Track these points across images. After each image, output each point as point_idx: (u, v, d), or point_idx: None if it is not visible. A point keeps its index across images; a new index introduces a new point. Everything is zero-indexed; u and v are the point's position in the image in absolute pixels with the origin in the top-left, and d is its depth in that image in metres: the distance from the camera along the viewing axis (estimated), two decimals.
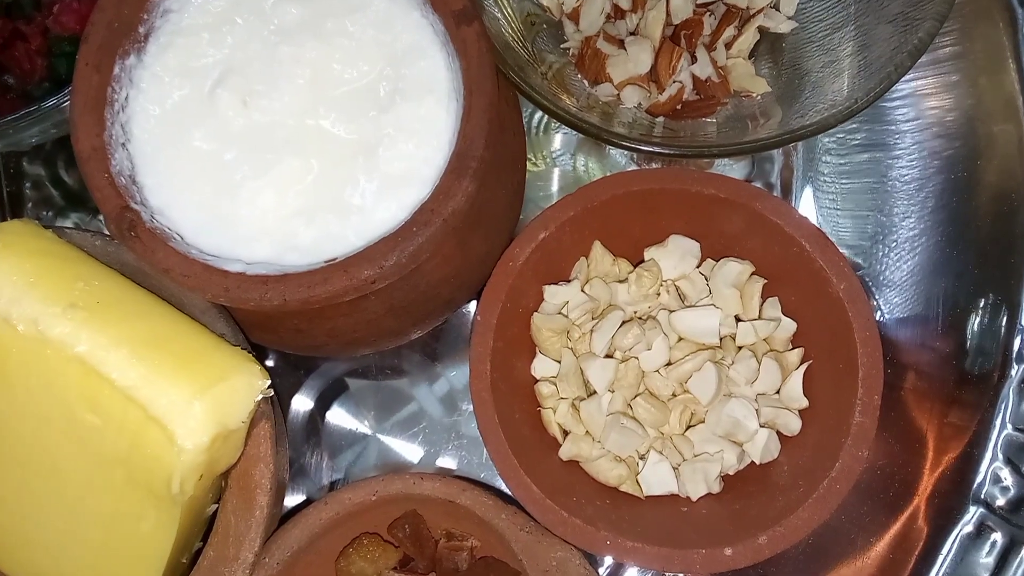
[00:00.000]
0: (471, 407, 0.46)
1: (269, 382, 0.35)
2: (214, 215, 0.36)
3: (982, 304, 0.49)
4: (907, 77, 0.44)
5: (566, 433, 0.42)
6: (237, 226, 0.36)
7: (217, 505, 0.38)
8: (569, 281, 0.44)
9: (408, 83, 0.37)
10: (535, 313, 0.43)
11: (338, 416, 0.49)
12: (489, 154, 0.35)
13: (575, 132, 0.44)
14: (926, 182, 0.53)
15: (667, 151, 0.39)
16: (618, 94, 0.47)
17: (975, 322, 0.49)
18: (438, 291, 0.39)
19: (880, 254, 0.51)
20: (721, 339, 0.42)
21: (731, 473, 0.41)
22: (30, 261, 0.34)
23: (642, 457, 0.42)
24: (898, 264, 0.51)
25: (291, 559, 0.39)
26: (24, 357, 0.33)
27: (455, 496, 0.40)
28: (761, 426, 0.41)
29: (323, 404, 0.49)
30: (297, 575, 0.41)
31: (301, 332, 0.38)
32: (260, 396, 0.34)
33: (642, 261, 0.44)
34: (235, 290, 0.33)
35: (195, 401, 0.32)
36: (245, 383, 0.34)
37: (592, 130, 0.39)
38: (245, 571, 0.35)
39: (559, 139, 0.53)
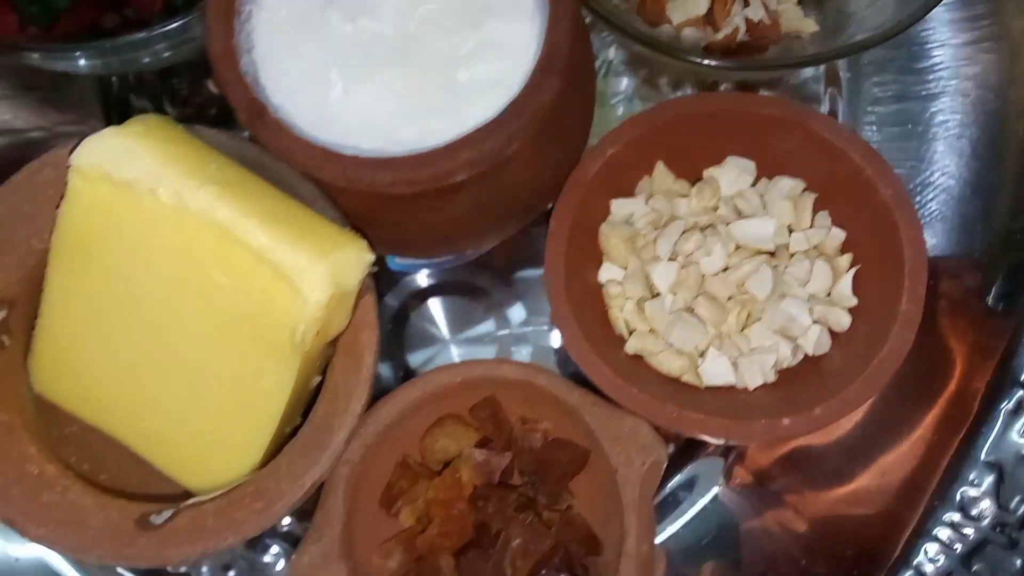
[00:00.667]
0: (539, 326, 0.51)
1: (375, 257, 0.39)
2: (324, 115, 0.40)
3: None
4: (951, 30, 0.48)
5: (631, 332, 0.46)
6: (345, 124, 0.40)
7: (320, 378, 0.43)
8: (634, 196, 0.48)
9: (497, 1, 0.41)
10: (603, 224, 0.47)
11: (414, 327, 0.53)
12: (571, 61, 0.39)
13: (636, 76, 0.49)
14: (964, 130, 0.56)
15: (731, 66, 0.43)
16: (677, 36, 0.52)
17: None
18: (518, 193, 0.44)
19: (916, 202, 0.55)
20: (775, 249, 0.46)
21: (785, 366, 0.45)
22: (169, 145, 0.38)
23: (701, 354, 0.46)
24: (933, 212, 0.55)
25: (383, 432, 0.44)
26: (166, 227, 0.38)
27: (533, 378, 0.44)
28: (813, 323, 0.44)
29: (400, 317, 0.53)
30: (387, 449, 0.45)
31: (398, 226, 0.43)
32: (368, 268, 0.39)
33: (700, 180, 0.48)
34: (351, 170, 0.38)
35: (317, 263, 0.37)
36: (357, 254, 0.38)
37: (665, 48, 0.43)
38: (353, 421, 0.39)
39: (624, 82, 0.57)
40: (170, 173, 0.37)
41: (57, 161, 0.41)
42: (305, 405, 0.44)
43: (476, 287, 0.53)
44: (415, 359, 0.52)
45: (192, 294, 0.39)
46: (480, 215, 0.43)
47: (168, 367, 0.41)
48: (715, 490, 0.50)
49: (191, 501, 0.40)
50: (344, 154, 0.38)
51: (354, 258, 0.38)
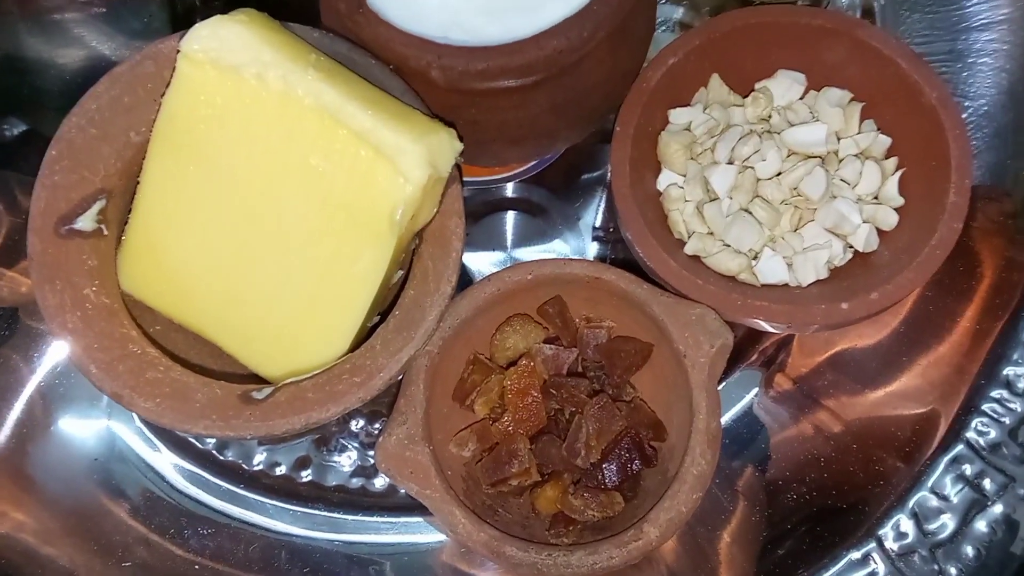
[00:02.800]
0: (599, 244, 0.53)
1: (463, 146, 0.42)
2: (415, 11, 0.42)
3: None
4: None
5: (690, 234, 0.49)
6: (434, 20, 0.42)
7: (402, 273, 0.45)
8: (691, 105, 0.51)
9: None
10: (662, 132, 0.50)
11: (476, 243, 0.55)
12: None
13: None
14: (1000, 62, 0.57)
15: None
16: None
17: None
18: (591, 95, 0.46)
19: None
20: (825, 154, 0.49)
21: (837, 264, 0.48)
22: (273, 34, 0.40)
23: (755, 256, 0.48)
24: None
25: (459, 327, 0.46)
26: (270, 112, 0.40)
27: (601, 273, 0.47)
28: (863, 222, 0.47)
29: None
30: (460, 345, 0.47)
31: (476, 124, 0.45)
32: (457, 155, 0.41)
33: (753, 92, 0.51)
34: (447, 58, 0.40)
35: (417, 143, 0.39)
36: (449, 140, 0.41)
37: None
38: (444, 301, 0.41)
39: (670, 11, 0.60)
40: (277, 58, 0.39)
41: (157, 55, 0.42)
42: (386, 303, 0.46)
43: (534, 204, 0.56)
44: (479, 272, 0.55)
45: (291, 181, 0.41)
46: (554, 115, 0.46)
47: (262, 258, 0.42)
48: (750, 401, 0.53)
49: (290, 380, 0.42)
50: (440, 42, 0.40)
51: (447, 143, 0.41)
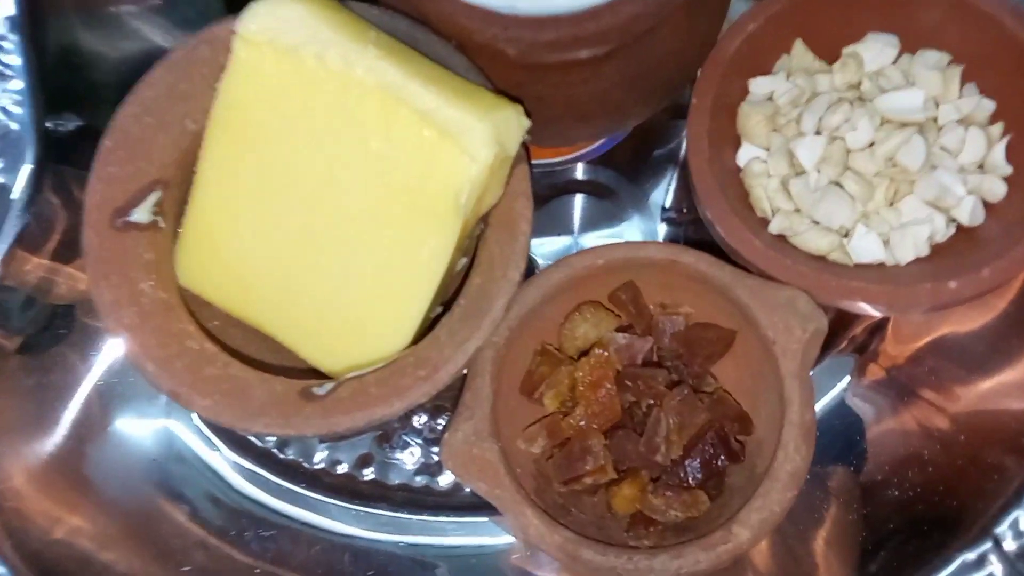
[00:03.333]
0: (669, 226, 0.50)
1: (530, 124, 0.39)
2: None
3: None
4: None
5: (775, 211, 0.45)
6: None
7: (466, 260, 0.43)
8: (773, 74, 0.47)
9: None
10: (742, 103, 0.46)
11: (540, 226, 0.53)
12: None
13: None
14: None
15: None
16: None
17: None
18: (665, 66, 0.43)
19: None
20: (923, 121, 0.45)
21: (939, 240, 0.44)
22: (331, 13, 0.38)
23: (846, 234, 0.45)
24: None
25: (526, 316, 0.43)
26: (330, 93, 0.37)
27: (677, 255, 0.43)
28: (967, 193, 0.43)
29: None
30: (527, 335, 0.44)
31: (542, 100, 0.42)
32: (525, 133, 0.39)
33: (839, 58, 0.47)
34: (513, 29, 0.37)
35: (483, 120, 0.36)
36: (516, 116, 0.38)
37: None
38: (511, 289, 0.39)
39: None
40: (336, 38, 0.37)
41: (213, 38, 0.41)
42: (449, 292, 0.44)
43: (601, 186, 0.53)
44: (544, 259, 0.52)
45: (352, 166, 0.39)
46: (625, 89, 0.43)
47: (322, 247, 0.40)
48: (841, 391, 0.49)
49: (352, 374, 0.40)
50: (505, 13, 0.37)
51: (514, 120, 0.38)
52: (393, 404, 0.38)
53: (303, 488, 0.47)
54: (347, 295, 0.41)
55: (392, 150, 0.38)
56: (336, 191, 0.39)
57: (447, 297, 0.43)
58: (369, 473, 0.48)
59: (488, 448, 0.40)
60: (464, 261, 0.43)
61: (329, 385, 0.39)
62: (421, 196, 0.38)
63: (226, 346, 0.42)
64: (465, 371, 0.40)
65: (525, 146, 0.40)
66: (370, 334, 0.41)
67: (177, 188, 0.41)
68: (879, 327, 0.48)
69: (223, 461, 0.48)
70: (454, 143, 0.36)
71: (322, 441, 0.48)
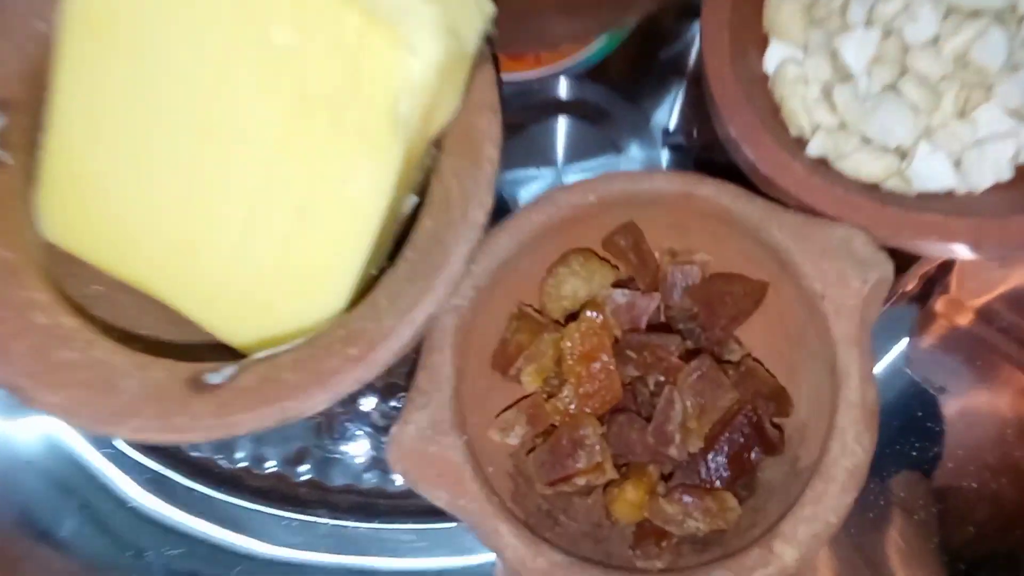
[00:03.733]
0: (674, 154, 0.40)
1: (495, 10, 0.28)
2: None
3: None
4: None
5: (814, 128, 0.35)
6: None
7: (417, 200, 0.32)
8: None
9: None
10: None
11: (515, 159, 0.42)
12: None
13: None
14: None
15: None
16: None
17: None
18: None
19: None
20: (1002, 9, 0.35)
21: (1023, 160, 0.34)
22: None
23: (904, 154, 0.35)
24: None
25: (498, 270, 0.34)
26: None
27: (692, 187, 0.34)
28: None
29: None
30: (500, 294, 0.35)
31: None
32: (489, 22, 0.28)
33: None
34: None
35: (427, 3, 0.26)
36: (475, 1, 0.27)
37: None
38: (474, 234, 0.29)
39: None
40: None
41: None
42: (394, 241, 0.34)
43: (590, 106, 0.42)
44: (515, 195, 0.42)
45: (251, 69, 0.28)
46: None
47: (221, 184, 0.31)
48: (898, 356, 0.39)
49: (261, 354, 0.30)
50: None
51: (471, 4, 0.28)
52: (313, 395, 0.28)
53: (220, 493, 0.40)
54: (256, 247, 0.32)
55: (303, 45, 0.28)
56: (232, 106, 0.30)
57: (391, 247, 0.33)
58: (305, 472, 0.39)
59: (450, 444, 0.32)
60: (414, 200, 0.33)
61: (229, 370, 0.29)
62: (345, 109, 0.28)
63: (96, 320, 0.32)
64: (418, 344, 0.32)
65: (491, 43, 0.30)
66: (288, 298, 0.32)
67: (27, 111, 0.33)
68: (941, 274, 0.38)
69: (117, 461, 0.38)
70: (388, 32, 0.26)
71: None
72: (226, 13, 0.28)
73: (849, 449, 0.30)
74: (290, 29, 0.27)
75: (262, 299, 0.32)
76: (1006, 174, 0.34)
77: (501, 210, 0.36)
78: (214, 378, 0.29)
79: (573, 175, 0.42)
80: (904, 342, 0.38)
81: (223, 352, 0.34)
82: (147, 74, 0.30)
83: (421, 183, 0.32)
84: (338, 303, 0.31)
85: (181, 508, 0.38)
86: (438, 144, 0.31)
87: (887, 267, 0.31)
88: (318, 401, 0.28)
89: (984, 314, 0.37)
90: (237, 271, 0.32)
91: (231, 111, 0.29)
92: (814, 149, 0.35)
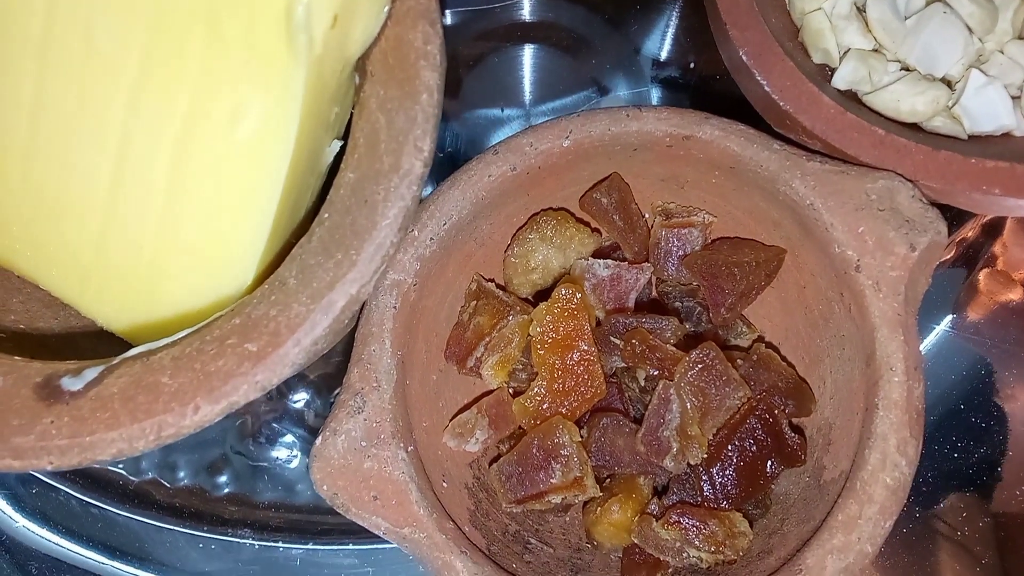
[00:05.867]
0: (666, 90, 0.33)
1: None
2: None
3: None
4: None
5: (843, 53, 0.29)
6: None
7: (340, 143, 0.25)
8: None
9: None
10: None
11: (472, 98, 0.35)
12: None
13: None
14: None
15: None
16: None
17: None
18: None
19: None
20: None
21: None
22: None
23: (952, 87, 0.28)
24: None
25: (450, 234, 0.27)
26: None
27: (692, 128, 0.27)
28: None
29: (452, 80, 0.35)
30: (454, 266, 0.29)
31: None
32: None
33: None
34: None
35: None
36: None
37: None
38: (411, 187, 0.22)
39: None
40: None
41: None
42: (316, 196, 0.27)
43: (563, 31, 0.35)
44: (477, 141, 0.35)
45: None
46: None
47: (76, 129, 0.25)
48: (942, 336, 0.33)
49: (135, 350, 0.23)
50: None
51: None
52: (198, 406, 0.22)
53: (123, 510, 0.34)
54: (129, 206, 0.26)
55: None
56: (77, 22, 0.22)
57: (313, 208, 0.27)
58: (225, 484, 0.33)
59: (389, 458, 0.27)
60: (336, 146, 0.25)
61: (92, 371, 0.22)
62: (228, 20, 0.21)
63: None
64: (346, 333, 0.26)
65: None
66: (174, 272, 0.26)
67: None
68: (988, 236, 0.32)
69: None
70: None
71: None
72: None
73: (891, 461, 0.24)
74: None
75: (144, 273, 0.26)
76: None
77: (455, 162, 0.29)
78: (72, 383, 0.22)
79: (544, 118, 0.35)
80: (944, 322, 0.31)
81: (110, 343, 0.28)
82: None
83: (343, 120, 0.25)
84: (240, 280, 0.25)
85: (75, 533, 0.32)
86: (362, 68, 0.24)
87: (940, 228, 0.25)
88: (205, 415, 0.21)
89: None
90: (110, 236, 0.26)
91: (79, 25, 0.23)
92: (842, 79, 0.29)
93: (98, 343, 0.29)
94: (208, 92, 0.22)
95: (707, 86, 0.34)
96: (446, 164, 0.33)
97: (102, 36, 0.22)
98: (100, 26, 0.22)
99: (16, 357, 0.24)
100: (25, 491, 0.33)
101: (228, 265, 0.25)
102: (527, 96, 0.35)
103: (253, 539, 0.33)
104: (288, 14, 0.20)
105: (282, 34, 0.20)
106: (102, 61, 0.23)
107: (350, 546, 0.33)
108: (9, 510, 0.32)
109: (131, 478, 0.33)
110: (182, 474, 0.33)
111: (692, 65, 0.35)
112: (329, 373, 0.34)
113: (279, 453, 0.34)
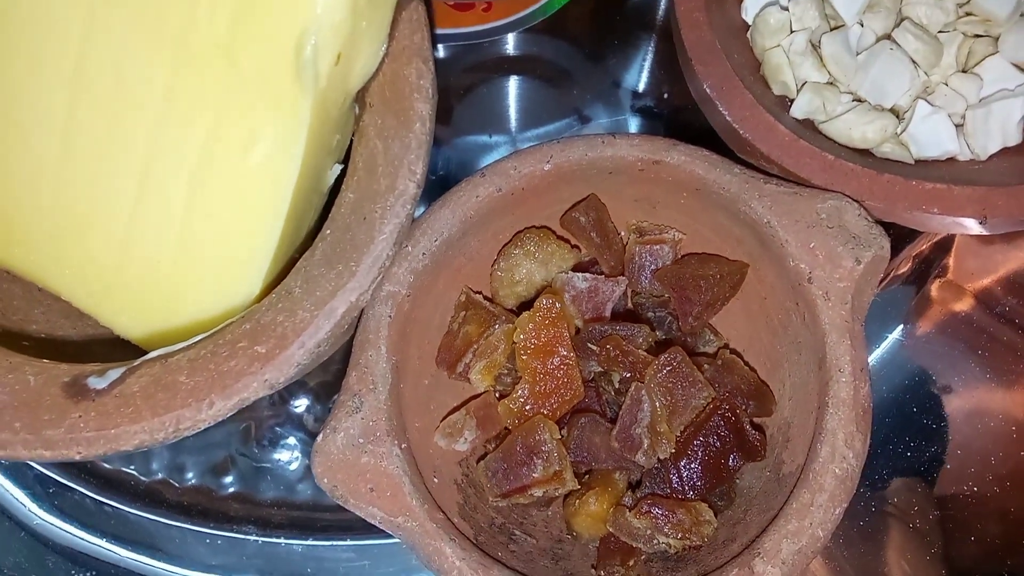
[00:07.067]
0: (644, 119, 0.35)
1: None
2: None
3: None
4: None
5: (800, 86, 0.31)
6: None
7: (341, 167, 0.28)
8: None
9: None
10: None
11: (461, 125, 0.38)
12: None
13: None
14: None
15: None
16: None
17: None
18: None
19: None
20: None
21: None
22: None
23: (900, 116, 0.31)
24: None
25: (441, 250, 0.29)
26: None
27: (661, 153, 0.29)
28: None
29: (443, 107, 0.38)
30: (444, 279, 0.31)
31: None
32: None
33: None
34: None
35: None
36: None
37: None
38: (405, 206, 0.24)
39: None
40: None
41: None
42: (318, 214, 0.29)
43: (546, 63, 0.38)
44: (466, 165, 0.37)
45: (129, 13, 0.24)
46: None
47: (103, 150, 0.27)
48: (894, 344, 0.35)
49: (154, 353, 0.25)
50: None
51: None
52: (213, 402, 0.24)
53: (135, 508, 0.35)
54: (149, 223, 0.28)
55: None
56: (108, 53, 0.25)
57: (315, 225, 0.29)
58: (230, 483, 0.35)
59: (385, 453, 0.28)
60: (336, 169, 0.28)
61: (115, 372, 0.25)
62: (241, 54, 0.23)
63: None
64: (347, 339, 0.28)
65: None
66: (190, 284, 0.28)
67: None
68: (938, 253, 0.34)
69: (8, 474, 0.34)
70: None
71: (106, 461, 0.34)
72: None
73: (839, 454, 0.26)
74: None
75: (161, 285, 0.28)
76: (1015, 138, 0.30)
77: (445, 184, 0.32)
78: (97, 382, 0.25)
79: (529, 144, 0.37)
80: (897, 331, 0.33)
81: (124, 349, 0.30)
82: (7, 17, 0.25)
83: (343, 146, 0.28)
84: (248, 290, 0.27)
85: (90, 527, 0.34)
86: (361, 99, 0.26)
87: (883, 244, 0.27)
88: (219, 409, 0.24)
89: (984, 299, 0.33)
90: (131, 252, 0.28)
91: (108, 59, 0.25)
92: (799, 109, 0.31)
93: (113, 350, 0.31)
94: (224, 121, 0.25)
95: (679, 114, 0.36)
96: (437, 186, 0.36)
97: (130, 70, 0.25)
98: (128, 61, 0.25)
99: (45, 360, 0.26)
100: (43, 490, 0.35)
101: (238, 277, 0.27)
102: (513, 124, 0.38)
103: (257, 535, 0.35)
104: (298, 52, 0.22)
105: (292, 70, 0.23)
106: (129, 92, 0.25)
107: (348, 541, 0.34)
108: (28, 506, 0.35)
109: (142, 478, 0.35)
110: (190, 474, 0.35)
111: (666, 95, 0.38)
112: (328, 380, 0.36)
113: (281, 455, 0.36)
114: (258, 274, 0.27)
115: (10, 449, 0.23)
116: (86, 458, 0.23)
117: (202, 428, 0.24)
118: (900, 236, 0.32)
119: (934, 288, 0.34)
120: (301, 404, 0.36)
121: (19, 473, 0.34)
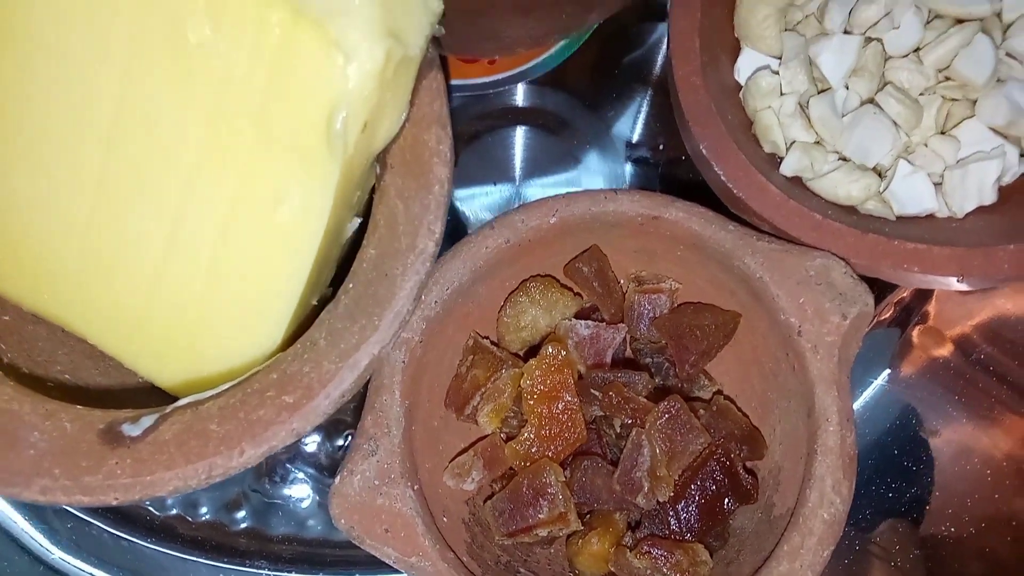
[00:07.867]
0: (638, 167, 0.37)
1: (442, 8, 0.25)
2: None
3: None
4: None
5: (789, 145, 0.33)
6: None
7: (359, 220, 0.29)
8: None
9: None
10: None
11: (468, 174, 0.39)
12: None
13: None
14: None
15: None
16: None
17: None
18: None
19: None
20: (987, 17, 0.33)
21: (1007, 181, 0.32)
22: None
23: (882, 174, 0.33)
24: None
25: (451, 299, 0.31)
26: None
27: (660, 209, 0.31)
28: None
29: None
30: (453, 326, 0.32)
31: None
32: (436, 23, 0.25)
33: None
34: None
35: (364, 3, 0.23)
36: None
37: None
38: (424, 263, 0.26)
39: None
40: None
41: None
42: (335, 267, 0.31)
43: (549, 115, 0.40)
44: (469, 215, 0.39)
45: (161, 71, 0.25)
46: None
47: (135, 201, 0.28)
48: (877, 385, 0.37)
49: (184, 400, 0.27)
50: None
51: (416, 2, 0.24)
52: (244, 450, 0.25)
53: (150, 543, 0.37)
54: (178, 273, 0.29)
55: (221, 44, 0.24)
56: (145, 113, 0.26)
57: (333, 273, 0.30)
58: (243, 519, 0.36)
59: (399, 495, 0.30)
60: (356, 222, 0.29)
61: (148, 419, 0.26)
62: (274, 121, 0.25)
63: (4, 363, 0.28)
64: (364, 385, 0.27)
65: (438, 45, 0.27)
66: (216, 332, 0.29)
67: None
68: (918, 302, 0.36)
69: (26, 509, 0.35)
70: (318, 32, 0.23)
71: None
72: (138, 11, 0.25)
73: (827, 499, 0.28)
74: (206, 25, 0.24)
75: (187, 332, 0.29)
76: (990, 197, 0.32)
77: (455, 232, 0.33)
78: (131, 429, 0.26)
79: (532, 190, 0.39)
80: (881, 376, 0.35)
81: (150, 394, 0.31)
82: (47, 77, 0.27)
83: (365, 203, 0.29)
84: (271, 340, 0.28)
85: (106, 561, 0.35)
86: (383, 161, 0.28)
87: (867, 300, 0.29)
88: (249, 457, 0.25)
89: (963, 345, 0.35)
90: (158, 300, 0.29)
91: (143, 118, 0.26)
92: (788, 167, 0.33)
93: (135, 394, 0.32)
94: (254, 180, 0.26)
95: (674, 165, 0.38)
96: (447, 232, 0.37)
97: (164, 129, 0.26)
98: (163, 121, 0.26)
99: (78, 406, 0.28)
100: (61, 525, 0.36)
101: (261, 327, 0.28)
102: (517, 171, 0.39)
103: (268, 569, 0.36)
104: (329, 123, 0.24)
105: (322, 138, 0.24)
106: (163, 150, 0.26)
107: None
108: (46, 543, 0.35)
109: (156, 513, 0.36)
110: (204, 510, 0.36)
111: (661, 147, 0.39)
112: (338, 419, 0.37)
113: (292, 491, 0.37)
114: (281, 324, 0.28)
115: (50, 495, 0.24)
116: (122, 503, 0.24)
117: (232, 475, 0.25)
118: (884, 284, 0.34)
119: (915, 334, 0.36)
120: (312, 441, 0.37)
121: (37, 509, 0.35)
